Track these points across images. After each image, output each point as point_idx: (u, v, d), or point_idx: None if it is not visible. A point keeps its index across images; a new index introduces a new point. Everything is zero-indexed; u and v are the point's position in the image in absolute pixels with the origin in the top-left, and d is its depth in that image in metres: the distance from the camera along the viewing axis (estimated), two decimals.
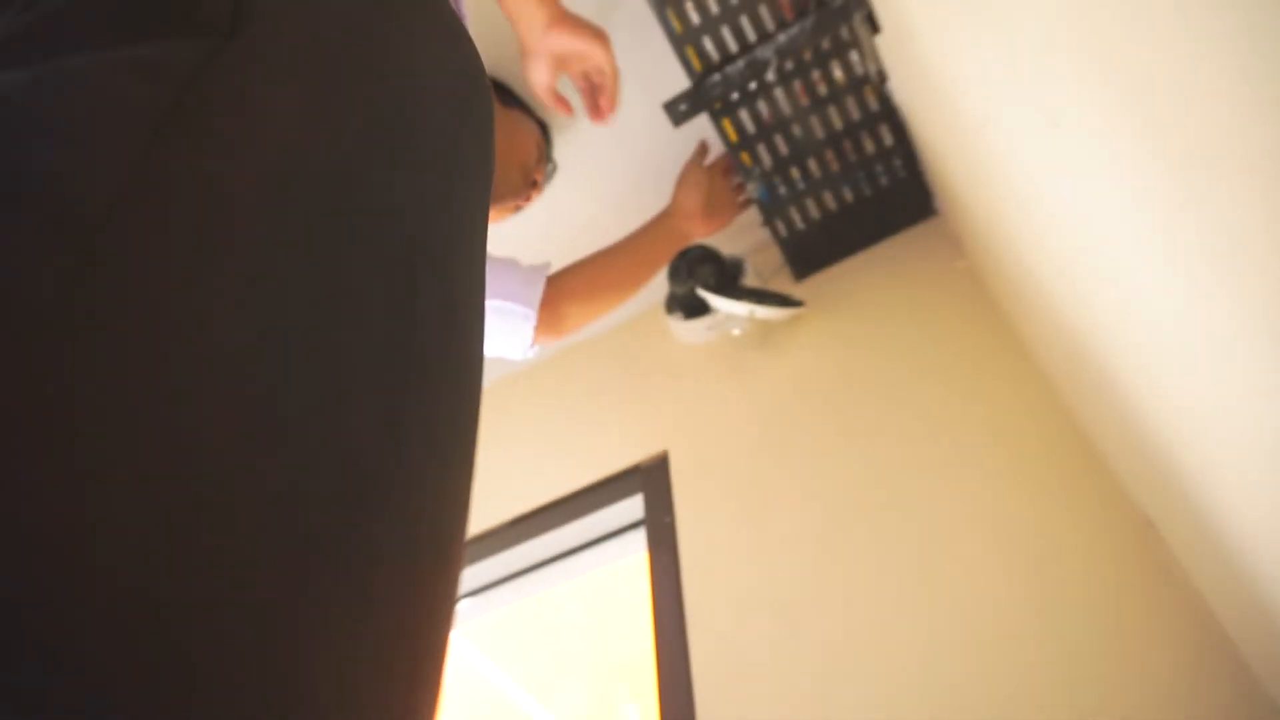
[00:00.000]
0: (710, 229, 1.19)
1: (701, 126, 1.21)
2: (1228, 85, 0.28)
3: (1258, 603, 0.57)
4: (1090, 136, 0.45)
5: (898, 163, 1.24)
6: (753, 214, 1.36)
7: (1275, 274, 0.32)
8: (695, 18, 1.08)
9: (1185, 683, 0.68)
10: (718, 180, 1.21)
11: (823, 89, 1.15)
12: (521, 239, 1.56)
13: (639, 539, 1.19)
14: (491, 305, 1.04)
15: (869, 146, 1.22)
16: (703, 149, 1.24)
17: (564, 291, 1.08)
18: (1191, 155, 0.34)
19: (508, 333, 1.05)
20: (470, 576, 1.30)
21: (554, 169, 1.28)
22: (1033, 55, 0.47)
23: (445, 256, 0.22)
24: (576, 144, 1.38)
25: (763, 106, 1.17)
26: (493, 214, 1.17)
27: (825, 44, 1.10)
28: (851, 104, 1.17)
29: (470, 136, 0.27)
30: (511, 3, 0.91)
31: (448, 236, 0.22)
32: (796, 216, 1.30)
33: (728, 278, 1.34)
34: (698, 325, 1.36)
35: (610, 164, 1.34)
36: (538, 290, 1.05)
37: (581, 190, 1.48)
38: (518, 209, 1.23)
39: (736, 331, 1.32)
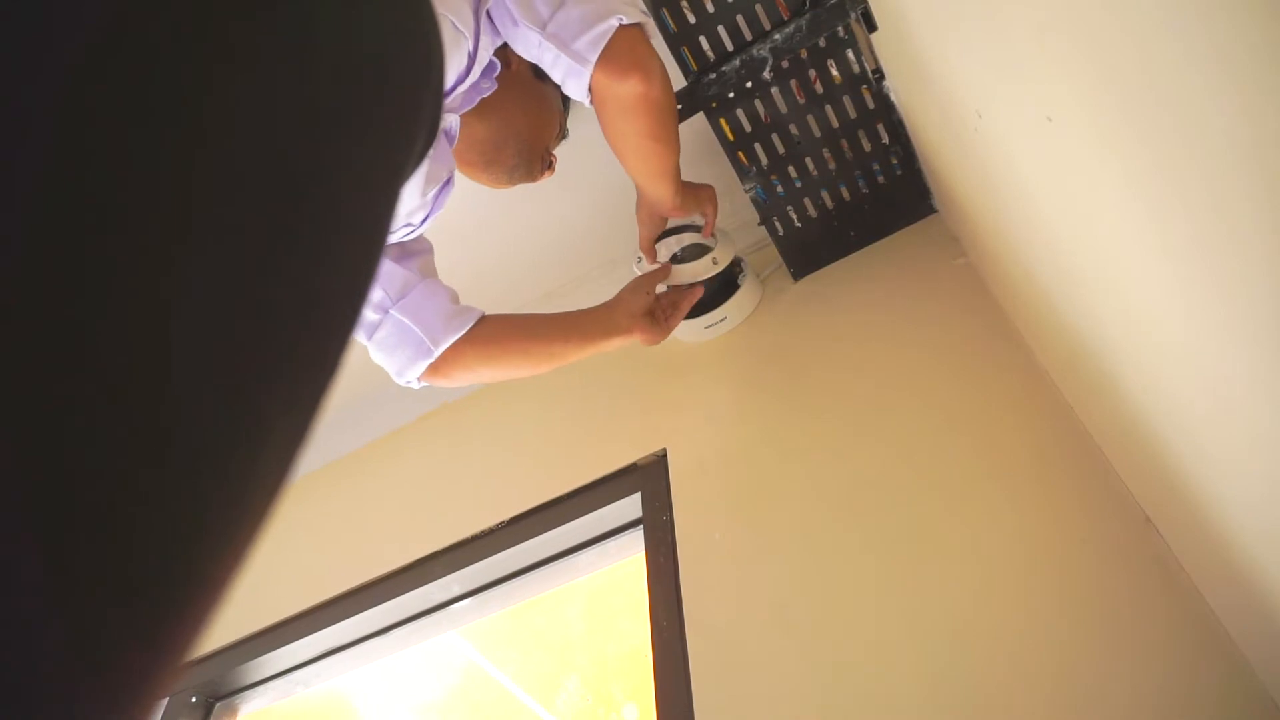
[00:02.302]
0: (647, 338, 1.17)
1: (699, 125, 1.21)
2: (1220, 80, 0.28)
3: (1255, 599, 0.57)
4: (1083, 132, 0.45)
5: (895, 161, 1.24)
6: (750, 213, 1.36)
7: (1271, 268, 0.32)
8: (691, 17, 1.08)
9: (1182, 679, 0.68)
10: (664, 301, 1.22)
11: (819, 87, 1.15)
12: (512, 232, 1.56)
13: (637, 538, 1.19)
14: (396, 320, 1.03)
15: (866, 145, 1.22)
16: (663, 271, 1.26)
17: (481, 339, 1.07)
18: (1185, 149, 0.34)
19: (403, 349, 1.04)
20: (469, 577, 1.30)
21: (565, 135, 1.27)
22: (1026, 50, 0.47)
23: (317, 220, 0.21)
24: (570, 143, 1.38)
25: (759, 105, 1.17)
26: (494, 185, 1.17)
27: (822, 42, 1.10)
28: (848, 102, 1.17)
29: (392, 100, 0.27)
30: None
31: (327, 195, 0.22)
32: (794, 215, 1.30)
33: (723, 276, 1.35)
34: (696, 324, 1.36)
35: (606, 163, 1.34)
36: (451, 335, 1.04)
37: (577, 188, 1.48)
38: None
39: (716, 329, 1.35)
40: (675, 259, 1.31)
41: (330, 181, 0.23)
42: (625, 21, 0.88)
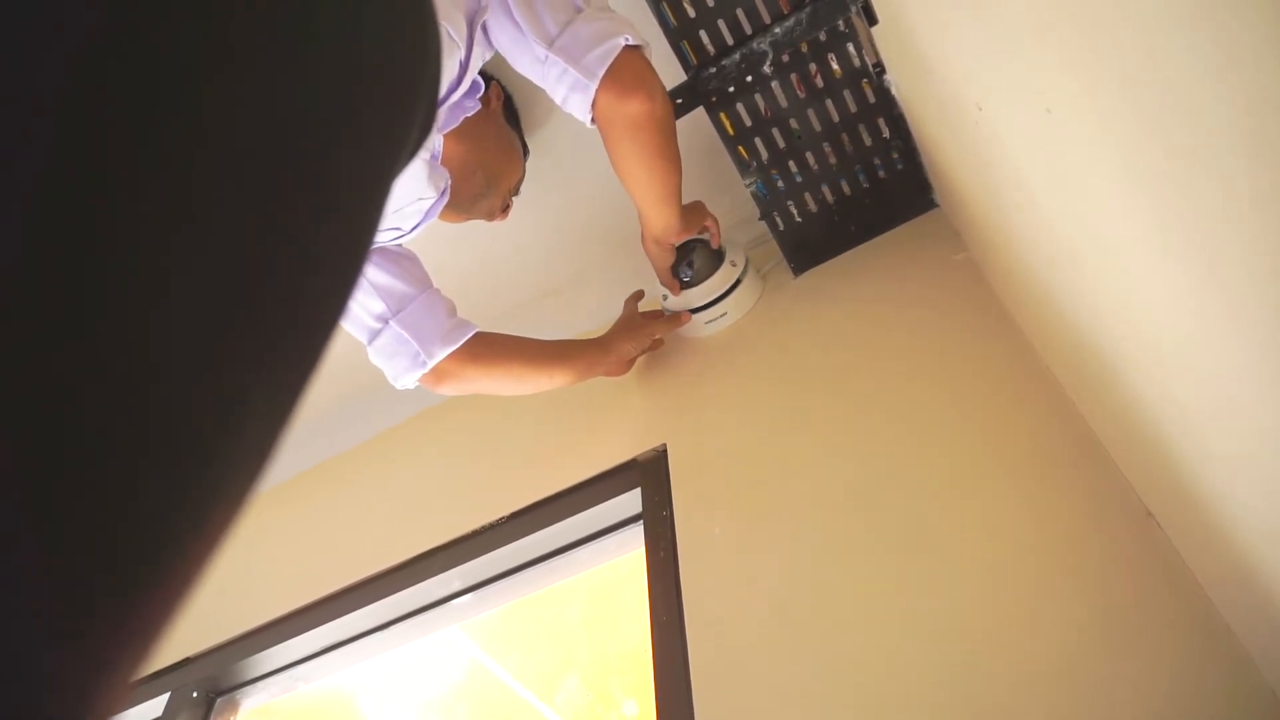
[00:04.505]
0: (621, 374, 1.36)
1: (699, 120, 1.21)
2: (1222, 73, 0.28)
3: (1258, 594, 0.57)
4: (1084, 124, 0.45)
5: (895, 155, 1.24)
6: (751, 208, 1.36)
7: (1273, 263, 0.32)
8: (691, 11, 1.07)
9: (1185, 675, 0.68)
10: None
11: (820, 81, 1.15)
12: (510, 232, 1.55)
13: (637, 533, 1.19)
14: (395, 332, 1.08)
15: (867, 139, 1.22)
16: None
17: (473, 355, 1.14)
18: (1187, 143, 0.33)
19: (399, 358, 1.09)
20: (469, 572, 1.30)
21: (518, 192, 1.35)
22: (1025, 41, 0.47)
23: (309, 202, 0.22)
24: (571, 139, 1.37)
25: (760, 99, 1.17)
26: (451, 214, 1.21)
27: (822, 36, 1.10)
28: (849, 96, 1.17)
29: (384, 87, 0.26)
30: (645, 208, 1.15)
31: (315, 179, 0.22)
32: (794, 210, 1.30)
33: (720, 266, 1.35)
34: (696, 320, 1.36)
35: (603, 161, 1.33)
36: (444, 349, 1.10)
37: (576, 186, 1.48)
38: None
39: (717, 325, 1.35)
40: (687, 282, 1.34)
41: (327, 180, 0.23)
42: (630, 42, 0.92)
